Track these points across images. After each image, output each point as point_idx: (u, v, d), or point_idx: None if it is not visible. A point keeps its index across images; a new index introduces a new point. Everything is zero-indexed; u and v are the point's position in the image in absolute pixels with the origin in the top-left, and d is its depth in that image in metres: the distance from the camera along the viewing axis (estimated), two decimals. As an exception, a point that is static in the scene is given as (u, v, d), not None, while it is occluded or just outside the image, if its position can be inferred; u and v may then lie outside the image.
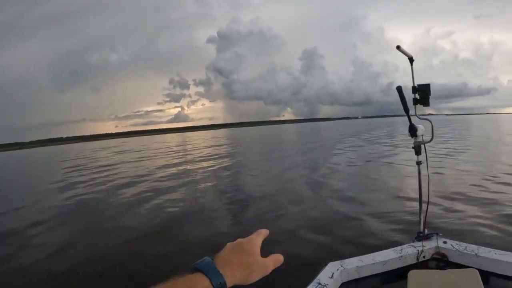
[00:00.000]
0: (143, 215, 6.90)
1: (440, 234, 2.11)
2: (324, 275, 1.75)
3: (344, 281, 1.81)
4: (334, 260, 1.90)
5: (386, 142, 20.71)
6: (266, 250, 0.55)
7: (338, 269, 1.81)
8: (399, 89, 1.97)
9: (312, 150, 19.34)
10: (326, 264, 1.86)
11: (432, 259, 1.98)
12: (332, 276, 1.75)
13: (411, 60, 2.12)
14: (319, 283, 1.67)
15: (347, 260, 1.90)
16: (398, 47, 2.05)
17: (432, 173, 7.17)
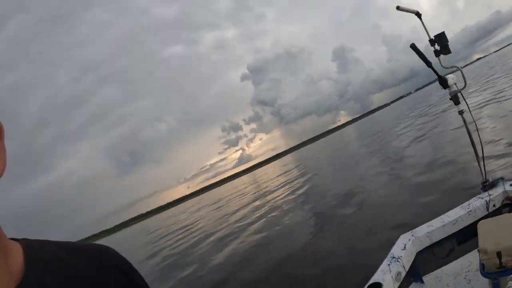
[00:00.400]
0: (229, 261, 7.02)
1: (505, 178, 1.97)
2: (396, 248, 1.72)
3: (418, 250, 1.76)
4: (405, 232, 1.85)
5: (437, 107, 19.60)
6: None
7: (409, 239, 1.77)
8: (413, 46, 1.94)
9: (378, 143, 18.76)
10: (397, 238, 1.82)
11: (503, 205, 1.85)
12: (405, 247, 1.71)
13: (418, 14, 2.09)
14: (393, 257, 1.64)
15: (417, 229, 1.85)
16: (398, 8, 2.03)
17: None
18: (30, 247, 0.52)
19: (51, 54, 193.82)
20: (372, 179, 8.86)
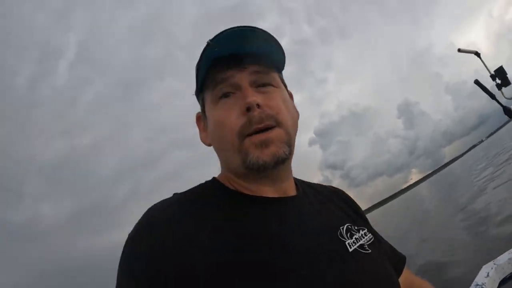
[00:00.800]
0: None
1: None
2: (480, 277, 1.74)
3: (501, 278, 1.76)
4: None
5: None
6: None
7: (492, 268, 1.79)
8: (477, 82, 2.08)
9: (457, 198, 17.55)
10: (480, 268, 1.85)
11: None
12: (488, 275, 1.73)
13: (477, 54, 2.26)
14: (477, 284, 1.67)
15: (498, 258, 1.86)
16: (459, 50, 2.23)
17: None
18: (298, 180, 0.81)
19: (126, 118, 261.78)
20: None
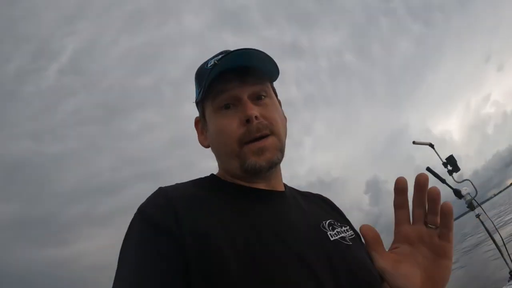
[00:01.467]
0: None
1: None
2: None
3: None
4: None
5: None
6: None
7: None
8: (428, 169, 2.36)
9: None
10: None
11: None
12: None
13: (431, 145, 2.63)
14: None
15: None
16: (414, 143, 2.61)
17: None
18: (286, 186, 0.85)
19: (98, 139, 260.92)
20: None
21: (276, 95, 0.86)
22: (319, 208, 0.84)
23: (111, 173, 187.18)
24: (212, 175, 0.81)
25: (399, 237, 0.66)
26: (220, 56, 0.76)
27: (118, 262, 0.62)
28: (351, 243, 0.73)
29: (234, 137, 0.72)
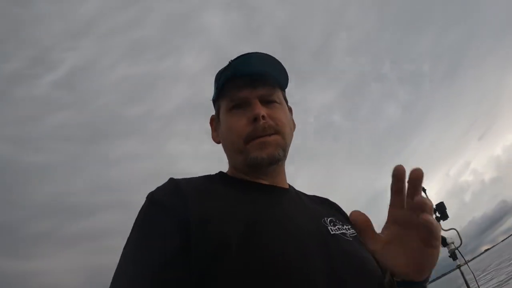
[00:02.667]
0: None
1: None
2: None
3: None
4: None
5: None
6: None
7: None
8: None
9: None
10: None
11: None
12: None
13: (423, 189, 2.66)
14: None
15: None
16: None
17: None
18: (291, 186, 0.89)
19: (79, 160, 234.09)
20: None
21: (287, 102, 0.90)
22: (322, 207, 0.86)
23: (85, 195, 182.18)
24: (220, 172, 0.86)
25: (392, 218, 0.68)
26: (234, 59, 0.80)
27: (125, 243, 0.66)
28: (351, 239, 0.75)
29: (241, 135, 0.77)
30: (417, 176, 0.62)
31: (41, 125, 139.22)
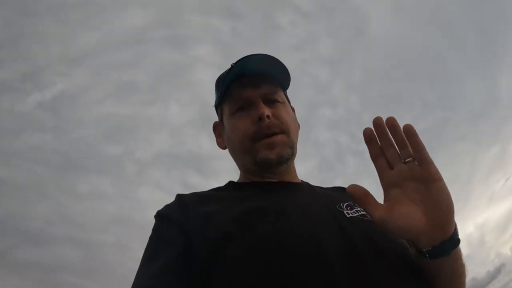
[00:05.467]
0: None
1: None
2: None
3: None
4: None
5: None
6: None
7: None
8: None
9: None
10: None
11: None
12: None
13: None
14: None
15: None
16: None
17: None
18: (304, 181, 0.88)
19: (46, 185, 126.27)
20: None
21: (289, 102, 0.90)
22: (340, 194, 0.82)
23: (43, 223, 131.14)
24: (230, 181, 0.87)
25: (385, 185, 0.61)
26: (236, 62, 0.80)
27: None
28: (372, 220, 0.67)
29: (247, 135, 0.77)
30: (395, 127, 0.56)
31: (16, 141, 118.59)
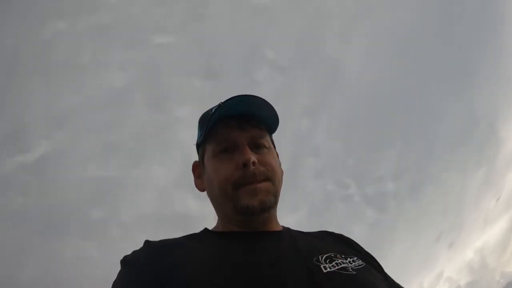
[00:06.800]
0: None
1: None
2: None
3: None
4: None
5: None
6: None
7: None
8: None
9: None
10: None
11: None
12: None
13: None
14: None
15: None
16: None
17: None
18: (286, 227, 0.85)
19: (27, 247, 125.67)
20: None
21: (275, 147, 0.87)
22: (322, 243, 0.80)
23: (27, 283, 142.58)
24: (205, 228, 0.83)
25: None
26: (225, 101, 0.78)
27: None
28: (355, 273, 0.67)
29: (229, 180, 0.73)
30: None
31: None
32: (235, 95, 0.78)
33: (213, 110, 0.78)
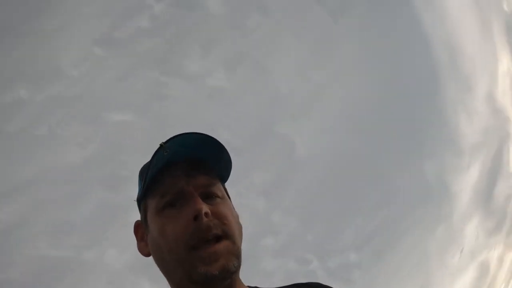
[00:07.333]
0: None
1: None
2: None
3: None
4: None
5: None
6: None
7: None
8: None
9: None
10: None
11: None
12: None
13: None
14: None
15: None
16: None
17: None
18: None
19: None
20: None
21: (228, 195, 0.74)
22: None
23: None
24: None
25: None
26: (166, 141, 0.65)
27: None
28: None
29: (180, 240, 0.59)
30: None
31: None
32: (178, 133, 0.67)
33: (153, 156, 0.65)
